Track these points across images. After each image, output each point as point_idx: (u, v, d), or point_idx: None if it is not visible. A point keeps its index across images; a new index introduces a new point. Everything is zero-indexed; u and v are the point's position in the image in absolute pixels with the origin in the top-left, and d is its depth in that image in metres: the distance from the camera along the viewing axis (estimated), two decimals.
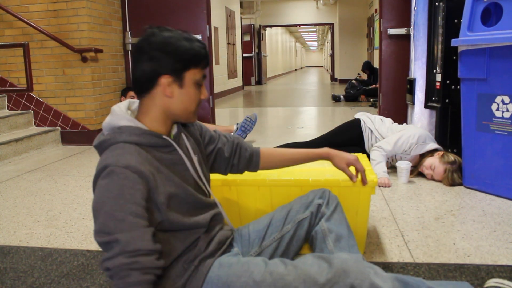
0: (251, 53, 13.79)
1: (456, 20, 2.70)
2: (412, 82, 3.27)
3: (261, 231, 1.34)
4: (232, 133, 3.91)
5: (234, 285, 1.10)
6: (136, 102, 1.18)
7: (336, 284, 1.05)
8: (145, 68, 1.08)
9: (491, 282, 1.21)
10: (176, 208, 1.09)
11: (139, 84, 1.11)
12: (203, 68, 1.12)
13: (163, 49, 1.07)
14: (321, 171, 1.69)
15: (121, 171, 0.99)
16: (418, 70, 3.22)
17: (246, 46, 13.29)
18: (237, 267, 1.13)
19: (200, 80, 1.12)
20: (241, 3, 12.74)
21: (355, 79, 8.40)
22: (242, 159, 1.39)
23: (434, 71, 3.01)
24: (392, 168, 2.82)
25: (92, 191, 1.04)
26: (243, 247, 1.32)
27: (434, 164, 2.59)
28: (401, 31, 3.90)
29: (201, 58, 1.10)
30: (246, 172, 1.65)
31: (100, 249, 1.24)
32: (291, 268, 1.10)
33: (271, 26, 16.24)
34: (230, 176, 1.62)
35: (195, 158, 1.21)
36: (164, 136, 1.12)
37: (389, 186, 2.56)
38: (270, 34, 18.65)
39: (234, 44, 11.21)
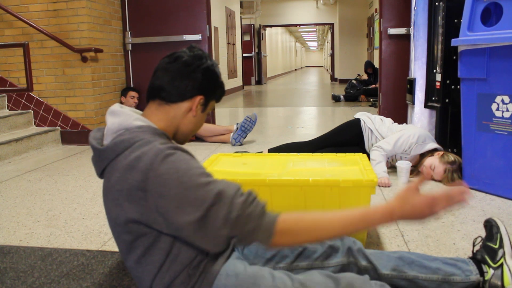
0: (251, 53, 13.79)
1: (456, 20, 2.70)
2: (412, 82, 3.27)
3: (269, 253, 1.29)
4: (232, 133, 3.91)
5: None
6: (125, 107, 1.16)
7: None
8: (189, 82, 1.13)
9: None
10: None
11: (175, 92, 1.13)
12: (218, 101, 1.24)
13: (210, 75, 1.16)
14: (321, 171, 1.69)
15: (175, 152, 1.00)
16: (418, 70, 3.22)
17: (246, 46, 13.29)
18: (244, 278, 1.08)
19: (209, 111, 1.23)
20: (241, 3, 12.74)
21: (355, 79, 8.39)
22: None
23: (434, 71, 3.01)
24: (392, 168, 2.82)
25: (139, 189, 0.97)
26: (249, 257, 1.29)
27: (434, 164, 2.59)
28: (401, 31, 3.90)
29: (223, 94, 1.24)
30: (246, 172, 1.66)
31: (101, 249, 1.24)
32: (298, 285, 1.07)
33: (271, 26, 16.24)
34: (230, 176, 1.63)
35: None
36: (173, 141, 1.17)
37: (389, 186, 2.56)
38: (270, 34, 18.65)
39: (234, 44, 11.21)
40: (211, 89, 1.18)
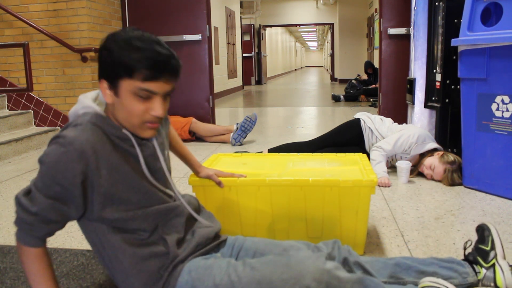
0: (251, 53, 13.78)
1: (456, 20, 2.70)
2: (412, 82, 3.27)
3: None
4: (232, 133, 3.91)
5: None
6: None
7: (292, 285, 1.04)
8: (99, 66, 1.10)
9: (427, 280, 1.22)
10: (121, 198, 1.10)
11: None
12: (145, 81, 1.03)
13: (108, 51, 1.04)
14: (321, 171, 1.69)
15: (65, 142, 1.03)
16: (418, 70, 3.22)
17: (246, 46, 13.29)
18: (202, 270, 1.13)
19: (138, 93, 1.04)
20: (241, 3, 12.73)
21: (355, 79, 8.39)
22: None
23: (434, 71, 3.01)
24: (392, 168, 2.82)
25: None
26: (241, 259, 1.27)
27: (434, 164, 2.59)
28: (401, 31, 3.90)
29: (134, 70, 1.01)
30: (246, 172, 1.66)
31: None
32: (248, 270, 1.10)
33: (271, 26, 16.24)
34: (230, 177, 1.63)
35: (160, 154, 1.20)
36: (124, 130, 1.11)
37: (389, 186, 2.56)
38: (270, 34, 18.65)
39: (234, 44, 11.21)
40: (108, 69, 1.05)
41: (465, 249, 1.41)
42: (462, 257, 1.40)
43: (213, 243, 1.26)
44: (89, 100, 1.15)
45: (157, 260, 1.14)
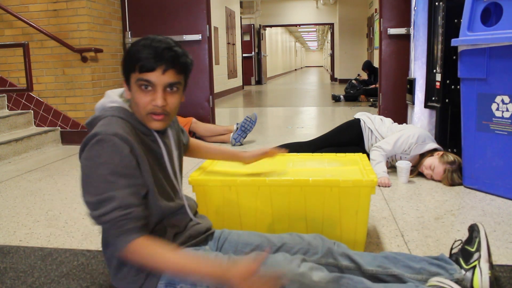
0: (251, 53, 13.78)
1: (456, 20, 2.70)
2: (412, 82, 3.27)
3: (249, 247, 1.33)
4: (232, 133, 3.91)
5: (184, 281, 1.15)
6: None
7: None
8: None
9: (434, 280, 1.22)
10: (145, 185, 1.17)
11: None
12: (142, 72, 1.11)
13: (125, 56, 1.17)
14: (321, 171, 1.69)
15: (110, 139, 1.08)
16: (418, 70, 3.22)
17: (246, 46, 13.29)
18: None
19: (139, 83, 1.12)
20: (241, 3, 12.73)
21: (355, 79, 8.39)
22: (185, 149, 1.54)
23: (434, 71, 3.01)
24: (392, 168, 2.82)
25: (79, 158, 1.14)
26: (225, 251, 1.33)
27: (434, 164, 2.59)
28: (401, 31, 3.90)
29: (138, 63, 1.11)
30: (246, 172, 1.66)
31: (101, 249, 1.25)
32: (230, 259, 1.15)
33: (271, 26, 16.24)
34: (230, 177, 1.63)
35: (175, 153, 1.30)
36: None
37: (389, 186, 2.56)
38: (270, 34, 18.64)
39: (234, 44, 11.21)
40: (125, 66, 1.16)
41: (452, 248, 1.41)
42: None
43: (203, 236, 1.33)
44: (115, 95, 1.22)
45: None
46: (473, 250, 1.32)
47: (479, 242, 1.33)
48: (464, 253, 1.34)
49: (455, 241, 1.43)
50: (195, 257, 1.11)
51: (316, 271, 1.14)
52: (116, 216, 1.07)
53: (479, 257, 1.30)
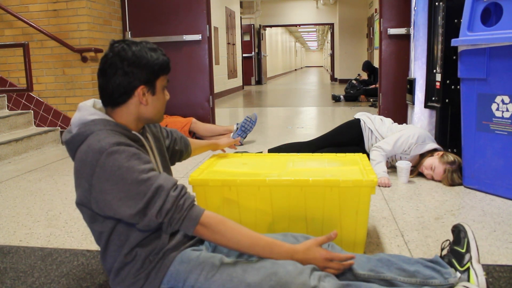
0: (251, 53, 13.79)
1: (456, 20, 2.70)
2: (412, 82, 3.27)
3: None
4: (232, 133, 3.91)
5: (189, 282, 1.15)
6: (100, 102, 1.26)
7: None
8: (121, 82, 1.18)
9: (460, 285, 1.22)
10: None
11: (115, 97, 1.20)
12: (167, 74, 1.25)
13: (136, 63, 1.17)
14: (321, 171, 1.69)
15: (118, 149, 1.10)
16: (418, 70, 3.22)
17: (246, 46, 13.29)
18: (194, 264, 1.17)
19: (166, 84, 1.26)
20: (241, 3, 12.74)
21: (355, 79, 8.40)
22: (185, 149, 1.63)
23: (434, 71, 3.01)
24: (392, 168, 2.82)
25: (86, 181, 1.11)
26: (218, 249, 1.32)
27: (434, 164, 2.59)
28: (401, 31, 3.90)
29: (166, 66, 1.23)
30: (246, 172, 1.66)
31: (99, 249, 1.24)
32: (240, 271, 1.14)
33: (271, 26, 16.24)
34: (230, 176, 1.63)
35: (156, 154, 1.35)
36: (134, 132, 1.24)
37: (389, 186, 2.56)
38: (270, 34, 18.65)
39: (234, 44, 11.21)
40: (147, 73, 1.19)
41: (442, 249, 1.41)
42: None
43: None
44: (91, 107, 1.22)
45: (149, 247, 1.19)
46: (463, 251, 1.32)
47: (468, 243, 1.33)
48: (455, 254, 1.33)
49: (444, 242, 1.42)
50: (265, 237, 1.17)
51: (325, 281, 1.13)
52: (174, 197, 1.10)
53: (470, 258, 1.30)
